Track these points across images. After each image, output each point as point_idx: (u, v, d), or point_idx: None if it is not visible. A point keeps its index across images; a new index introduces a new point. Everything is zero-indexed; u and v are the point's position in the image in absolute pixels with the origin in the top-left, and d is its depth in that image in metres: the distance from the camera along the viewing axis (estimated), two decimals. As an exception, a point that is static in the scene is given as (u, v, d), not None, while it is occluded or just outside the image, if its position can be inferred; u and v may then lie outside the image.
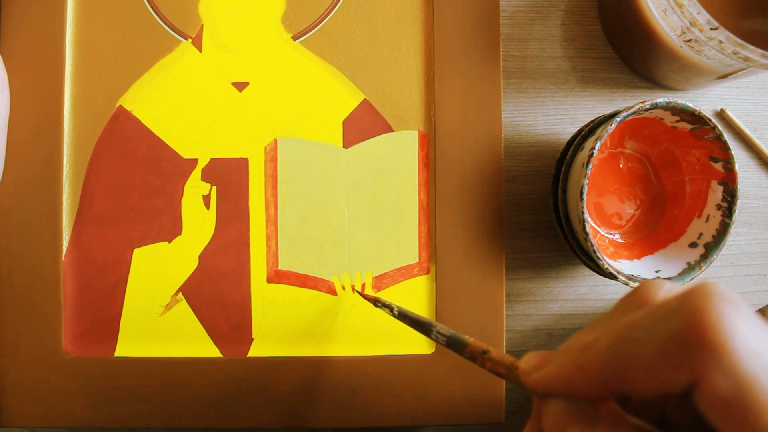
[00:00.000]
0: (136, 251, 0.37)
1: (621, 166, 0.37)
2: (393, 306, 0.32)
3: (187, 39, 0.37)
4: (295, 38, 0.37)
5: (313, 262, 0.37)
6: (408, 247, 0.37)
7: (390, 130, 0.37)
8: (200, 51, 0.37)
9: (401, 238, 0.37)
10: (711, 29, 0.30)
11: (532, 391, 0.22)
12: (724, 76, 0.36)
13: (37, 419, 0.36)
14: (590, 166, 0.32)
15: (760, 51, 0.30)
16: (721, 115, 0.41)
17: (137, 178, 0.37)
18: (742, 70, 0.34)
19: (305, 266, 0.37)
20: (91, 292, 0.37)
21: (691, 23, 0.31)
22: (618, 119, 0.32)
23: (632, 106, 0.32)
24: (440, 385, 0.36)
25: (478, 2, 0.37)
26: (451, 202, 0.36)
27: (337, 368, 0.36)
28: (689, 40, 0.33)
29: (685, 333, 0.17)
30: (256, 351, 0.36)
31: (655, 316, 0.18)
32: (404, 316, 0.31)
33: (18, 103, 0.36)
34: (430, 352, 0.36)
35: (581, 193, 0.32)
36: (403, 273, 0.37)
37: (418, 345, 0.37)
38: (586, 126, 0.35)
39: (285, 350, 0.36)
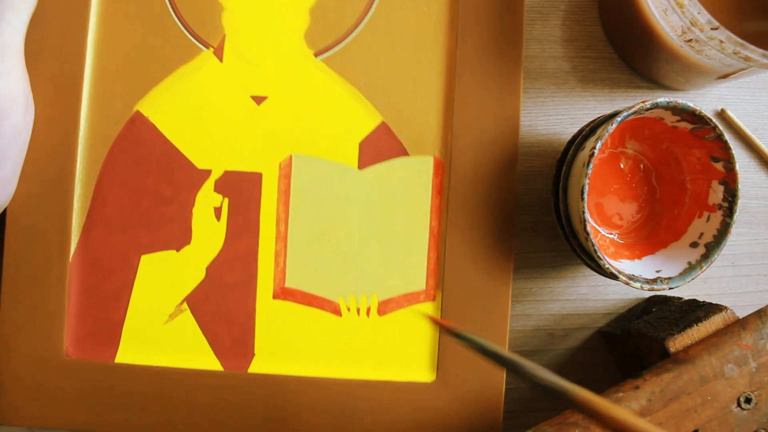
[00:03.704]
0: (143, 258, 0.37)
1: (622, 166, 0.37)
2: (471, 337, 0.27)
3: (208, 48, 0.37)
4: (317, 55, 0.37)
5: (320, 282, 0.37)
6: (415, 273, 0.37)
7: (406, 154, 0.37)
8: (221, 61, 0.37)
9: (409, 263, 0.37)
10: (711, 29, 0.30)
11: None
12: (725, 76, 0.36)
13: (34, 419, 0.36)
14: (591, 165, 0.32)
15: (761, 51, 0.30)
16: (721, 115, 0.41)
17: (149, 185, 0.37)
18: (743, 70, 0.34)
19: (312, 285, 0.37)
20: (96, 296, 0.37)
21: (691, 23, 0.31)
22: (618, 119, 0.32)
23: (633, 106, 0.32)
24: (440, 415, 0.36)
25: (502, 31, 0.37)
26: (463, 231, 0.36)
27: (337, 390, 0.36)
28: (690, 40, 0.33)
29: None
30: (257, 367, 0.36)
31: None
32: (487, 351, 0.26)
33: (36, 101, 0.36)
34: (430, 381, 0.36)
35: (582, 193, 0.32)
36: (409, 299, 0.37)
37: (420, 373, 0.37)
38: (586, 126, 0.35)
39: (286, 368, 0.36)
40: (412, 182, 0.37)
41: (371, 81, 0.37)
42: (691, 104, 0.32)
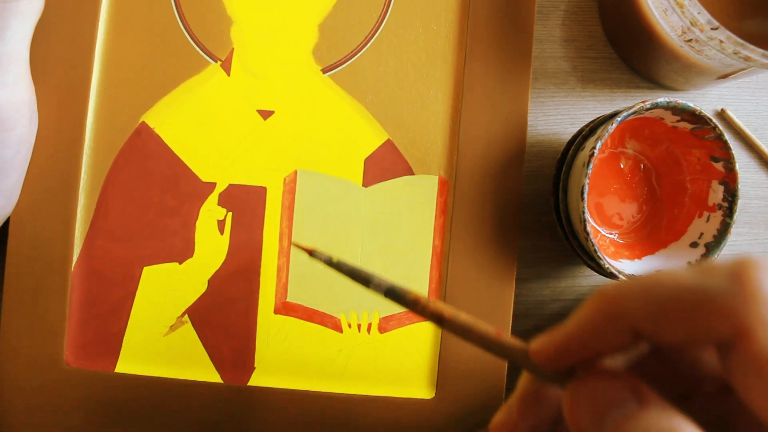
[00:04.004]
0: (145, 269, 0.37)
1: (622, 166, 0.37)
2: (331, 256, 0.29)
3: (216, 61, 0.37)
4: (324, 71, 0.37)
5: (322, 298, 0.37)
6: (417, 291, 0.37)
7: (411, 172, 0.37)
8: (228, 75, 0.37)
9: (411, 281, 0.37)
10: (711, 29, 0.31)
11: (548, 366, 0.20)
12: (725, 76, 0.36)
13: (33, 427, 0.36)
14: (591, 165, 0.32)
15: (761, 51, 0.31)
16: (721, 115, 0.41)
17: (154, 196, 0.37)
18: (743, 69, 0.34)
19: (313, 301, 0.37)
20: (98, 306, 0.37)
21: (691, 23, 0.31)
22: (618, 119, 0.32)
23: (633, 106, 0.32)
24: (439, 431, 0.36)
25: (511, 51, 0.37)
26: (465, 250, 0.36)
27: (336, 405, 0.36)
28: (690, 40, 0.33)
29: (738, 285, 0.16)
30: (256, 380, 0.36)
31: (704, 268, 0.18)
32: (342, 267, 0.29)
33: (42, 109, 0.36)
34: (429, 397, 0.36)
35: (582, 193, 0.32)
36: (410, 317, 0.37)
37: (419, 389, 0.37)
38: (586, 126, 0.35)
39: (285, 382, 0.36)
40: (416, 201, 0.37)
41: (378, 98, 0.37)
42: (691, 104, 0.32)
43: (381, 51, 0.37)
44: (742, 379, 0.17)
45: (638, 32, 0.36)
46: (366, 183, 0.37)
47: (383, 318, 0.37)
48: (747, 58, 0.31)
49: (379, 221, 0.37)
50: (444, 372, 0.36)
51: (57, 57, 0.36)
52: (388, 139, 0.37)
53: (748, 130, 0.41)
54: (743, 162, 0.41)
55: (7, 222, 0.36)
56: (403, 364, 0.37)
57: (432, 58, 0.37)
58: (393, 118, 0.37)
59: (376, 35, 0.37)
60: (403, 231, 0.37)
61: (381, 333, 0.37)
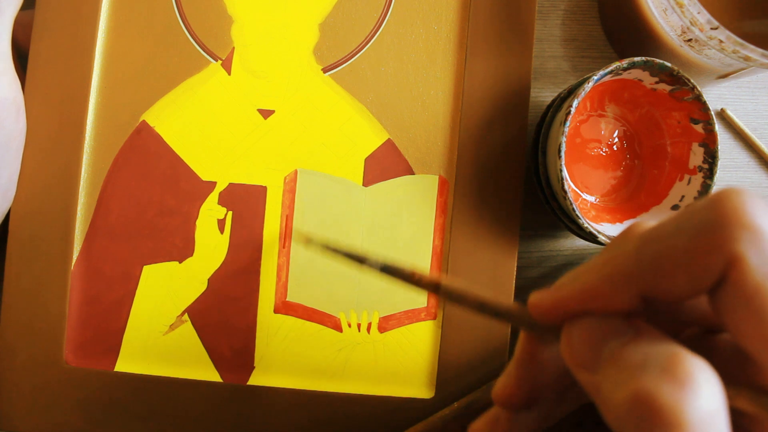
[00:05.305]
0: (145, 268, 0.37)
1: (603, 132, 0.37)
2: (326, 243, 0.31)
3: (217, 60, 0.37)
4: (325, 71, 0.37)
5: (322, 297, 0.37)
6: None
7: (411, 172, 0.37)
8: (229, 74, 0.37)
9: (411, 281, 0.37)
10: (711, 29, 0.31)
11: (544, 319, 0.20)
12: (724, 76, 0.36)
13: (32, 426, 0.36)
14: (567, 123, 0.32)
15: (761, 50, 0.31)
16: (721, 114, 0.41)
17: (154, 195, 0.37)
18: (742, 69, 0.34)
19: (313, 300, 0.37)
20: (97, 304, 0.37)
21: (691, 23, 0.31)
22: (595, 77, 0.32)
23: (609, 65, 0.32)
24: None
25: (512, 53, 0.37)
26: (465, 251, 0.36)
27: (336, 404, 0.36)
28: (689, 40, 0.33)
29: (721, 217, 0.16)
30: (256, 379, 0.36)
31: (686, 212, 0.18)
32: (339, 250, 0.30)
33: (42, 107, 0.36)
34: (429, 397, 0.36)
35: (559, 151, 0.32)
36: (410, 316, 0.37)
37: (419, 389, 0.37)
38: (565, 89, 0.35)
39: (285, 381, 0.36)
40: (416, 200, 0.37)
41: (378, 98, 0.37)
42: (668, 63, 0.32)
43: (382, 50, 0.37)
44: (732, 314, 0.17)
45: (638, 32, 0.36)
46: (366, 182, 0.37)
47: (383, 317, 0.37)
48: (747, 58, 0.31)
49: (379, 221, 0.37)
50: (444, 372, 0.36)
51: (58, 57, 0.36)
52: (389, 139, 0.37)
53: (747, 130, 0.41)
54: (742, 162, 0.41)
55: (6, 220, 0.36)
56: (402, 363, 0.37)
57: (432, 58, 0.37)
58: (393, 117, 0.37)
59: (377, 35, 0.37)
60: (403, 231, 0.37)
61: (381, 332, 0.37)
